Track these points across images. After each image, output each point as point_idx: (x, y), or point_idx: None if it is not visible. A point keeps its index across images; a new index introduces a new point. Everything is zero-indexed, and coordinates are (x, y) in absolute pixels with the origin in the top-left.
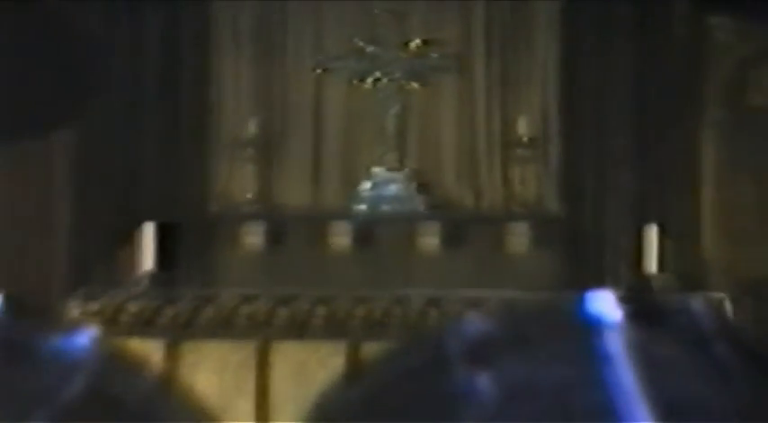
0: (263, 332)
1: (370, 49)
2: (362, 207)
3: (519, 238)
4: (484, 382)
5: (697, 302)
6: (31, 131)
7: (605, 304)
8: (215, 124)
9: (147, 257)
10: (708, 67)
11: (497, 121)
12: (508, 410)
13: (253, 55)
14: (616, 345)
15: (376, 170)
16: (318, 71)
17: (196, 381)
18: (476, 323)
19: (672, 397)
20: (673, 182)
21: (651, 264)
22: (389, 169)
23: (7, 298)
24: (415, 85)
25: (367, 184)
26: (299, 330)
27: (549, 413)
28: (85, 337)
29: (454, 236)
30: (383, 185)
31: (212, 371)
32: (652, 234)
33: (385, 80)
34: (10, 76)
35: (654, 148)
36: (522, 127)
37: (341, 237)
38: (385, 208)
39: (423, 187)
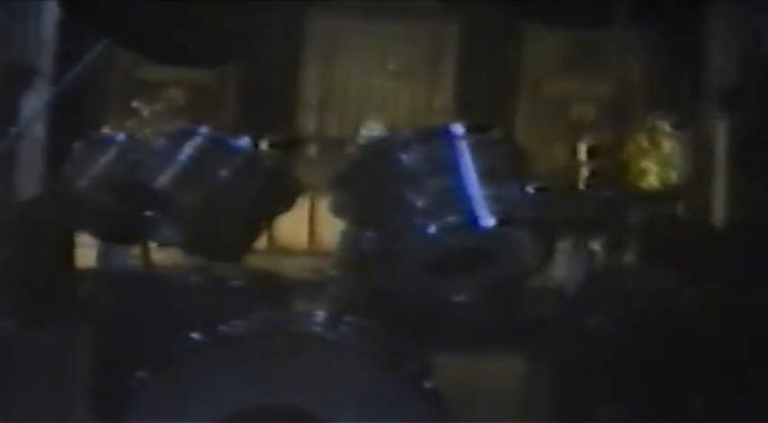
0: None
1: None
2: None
3: None
4: (415, 153)
5: (497, 132)
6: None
7: (458, 128)
8: (306, 90)
9: None
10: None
11: (435, 98)
12: (428, 163)
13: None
14: (463, 143)
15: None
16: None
17: None
18: (411, 133)
19: (484, 164)
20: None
21: None
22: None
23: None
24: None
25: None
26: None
27: (438, 160)
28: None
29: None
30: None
31: None
32: None
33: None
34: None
35: (502, 111)
36: (441, 101)
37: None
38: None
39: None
